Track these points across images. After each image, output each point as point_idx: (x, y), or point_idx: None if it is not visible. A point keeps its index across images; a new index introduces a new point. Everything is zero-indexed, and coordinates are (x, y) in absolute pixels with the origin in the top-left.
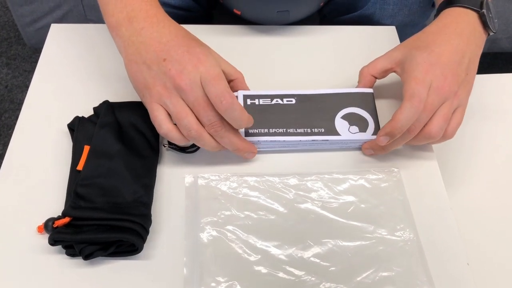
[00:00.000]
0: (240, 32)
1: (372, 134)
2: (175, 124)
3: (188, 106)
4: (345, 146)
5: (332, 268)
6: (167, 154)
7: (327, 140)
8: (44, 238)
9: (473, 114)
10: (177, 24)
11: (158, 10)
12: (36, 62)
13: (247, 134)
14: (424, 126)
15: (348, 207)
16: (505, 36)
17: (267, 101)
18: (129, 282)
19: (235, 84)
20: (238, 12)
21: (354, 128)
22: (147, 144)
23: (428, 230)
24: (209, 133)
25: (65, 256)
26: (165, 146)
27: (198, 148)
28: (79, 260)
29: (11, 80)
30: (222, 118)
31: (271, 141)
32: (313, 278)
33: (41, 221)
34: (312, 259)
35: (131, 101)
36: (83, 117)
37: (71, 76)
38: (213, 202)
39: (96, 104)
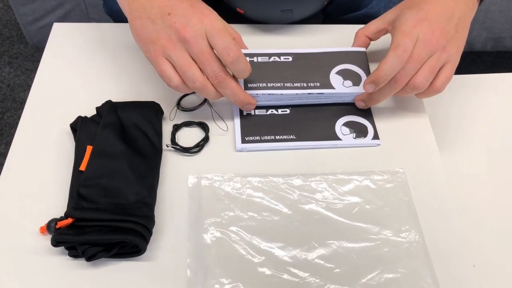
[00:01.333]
0: (244, 31)
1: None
2: None
3: (192, 58)
4: (339, 100)
5: (337, 270)
6: (170, 154)
7: (322, 93)
8: (47, 239)
9: (477, 113)
10: None
11: None
12: (38, 61)
13: (246, 88)
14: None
15: (353, 208)
16: (509, 35)
17: (265, 59)
18: (132, 284)
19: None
20: (242, 11)
21: (348, 83)
22: (150, 144)
23: (434, 232)
24: (212, 84)
25: (68, 257)
26: (168, 146)
27: (201, 148)
28: (81, 261)
29: (13, 79)
30: (225, 69)
31: (268, 94)
32: (317, 280)
33: (44, 221)
34: (316, 260)
35: (134, 101)
36: (85, 117)
37: (73, 75)
38: (216, 203)
39: (99, 104)
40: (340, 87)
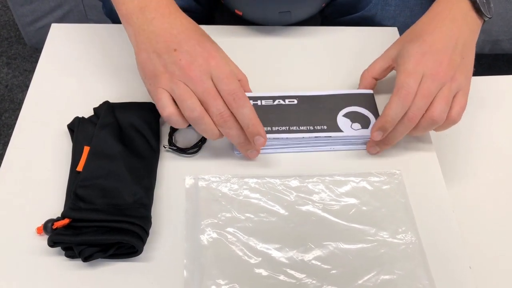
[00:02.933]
0: (242, 32)
1: None
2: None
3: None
4: (347, 145)
5: (333, 271)
6: (167, 156)
7: (330, 136)
8: (43, 239)
9: (474, 116)
10: (188, 17)
11: (169, 2)
12: (36, 61)
13: None
14: (425, 112)
15: (350, 209)
16: (506, 38)
17: (269, 102)
18: (129, 285)
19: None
20: (240, 13)
21: (357, 125)
22: (147, 145)
23: (430, 233)
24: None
25: (64, 257)
26: (165, 147)
27: (199, 149)
28: (78, 262)
29: (11, 80)
30: (229, 111)
31: (274, 138)
32: (314, 281)
33: (41, 222)
34: (313, 261)
35: (131, 102)
36: (83, 117)
37: (71, 76)
38: (213, 204)
39: (96, 105)
40: (349, 130)
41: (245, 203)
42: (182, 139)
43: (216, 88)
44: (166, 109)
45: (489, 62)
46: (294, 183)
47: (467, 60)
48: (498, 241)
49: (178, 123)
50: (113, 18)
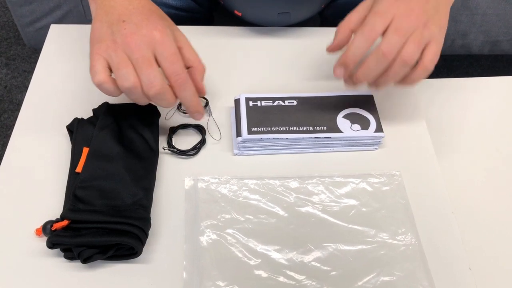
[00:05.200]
0: (241, 33)
1: (374, 132)
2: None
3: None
4: (347, 146)
5: (333, 273)
6: (166, 157)
7: (330, 137)
8: (42, 241)
9: (474, 117)
10: (150, 0)
11: None
12: (35, 62)
13: (249, 132)
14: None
15: (349, 210)
16: (506, 39)
17: (268, 103)
18: (128, 286)
19: (190, 72)
20: (239, 14)
21: (356, 126)
22: (146, 146)
23: (430, 234)
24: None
25: (64, 259)
26: (164, 149)
27: (198, 151)
28: (77, 264)
29: (11, 81)
30: (164, 81)
31: (273, 138)
32: (313, 283)
33: (40, 223)
34: (313, 263)
35: (130, 103)
36: (82, 118)
37: (70, 77)
38: (213, 205)
39: (96, 106)
40: (348, 131)
41: (245, 204)
42: (181, 141)
43: (158, 63)
44: (97, 76)
45: (489, 63)
46: (294, 184)
47: (441, 15)
48: (498, 243)
49: (109, 91)
50: None
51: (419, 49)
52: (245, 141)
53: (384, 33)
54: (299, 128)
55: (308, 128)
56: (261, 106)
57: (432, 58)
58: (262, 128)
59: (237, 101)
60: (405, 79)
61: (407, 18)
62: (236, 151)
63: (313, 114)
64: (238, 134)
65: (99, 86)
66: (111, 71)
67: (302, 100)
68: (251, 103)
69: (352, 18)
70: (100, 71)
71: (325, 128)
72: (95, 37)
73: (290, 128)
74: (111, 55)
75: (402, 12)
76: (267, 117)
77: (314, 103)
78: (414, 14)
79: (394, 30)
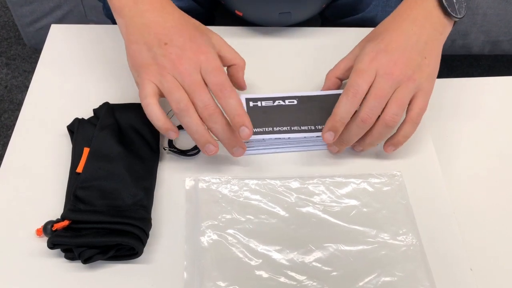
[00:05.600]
0: (242, 33)
1: None
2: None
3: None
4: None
5: (334, 273)
6: (167, 157)
7: None
8: (43, 241)
9: (475, 117)
10: (181, 11)
11: None
12: (36, 62)
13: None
14: (380, 115)
15: (350, 211)
16: (506, 39)
17: (269, 103)
18: (129, 286)
19: (233, 69)
20: (240, 13)
21: None
22: (147, 146)
23: (431, 235)
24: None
25: (64, 259)
26: (165, 149)
27: (199, 151)
28: (78, 264)
29: (11, 81)
30: (216, 104)
31: (275, 138)
32: (314, 283)
33: (40, 224)
34: (313, 263)
35: (131, 103)
36: (82, 118)
37: (71, 77)
38: (213, 205)
39: (96, 106)
40: None
41: (245, 204)
42: (182, 141)
43: (205, 82)
44: (147, 98)
45: (489, 63)
46: (295, 184)
47: (429, 60)
48: (499, 243)
49: (156, 114)
50: (113, 19)
51: (402, 108)
52: (247, 142)
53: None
54: (300, 127)
55: (309, 127)
56: (262, 107)
57: (418, 111)
58: (264, 129)
59: None
60: (394, 138)
61: (389, 75)
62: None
63: (314, 113)
64: None
65: (146, 108)
66: (160, 96)
67: (302, 99)
68: (251, 104)
69: (341, 66)
70: (150, 94)
71: None
72: (137, 61)
73: (292, 128)
74: (161, 81)
75: (385, 68)
76: (268, 117)
77: (315, 102)
78: (398, 67)
79: (374, 95)
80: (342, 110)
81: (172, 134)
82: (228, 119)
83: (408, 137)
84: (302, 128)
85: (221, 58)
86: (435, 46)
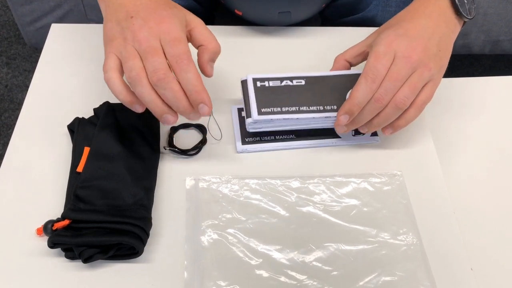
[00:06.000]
0: (242, 33)
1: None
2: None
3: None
4: None
5: (334, 273)
6: (167, 157)
7: None
8: (43, 240)
9: (475, 117)
10: None
11: None
12: (36, 61)
13: (260, 113)
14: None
15: (351, 210)
16: (507, 38)
17: (276, 83)
18: (129, 286)
19: (199, 50)
20: (240, 13)
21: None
22: (147, 146)
23: (431, 234)
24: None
25: (64, 259)
26: (165, 149)
27: (199, 150)
28: (78, 263)
29: (11, 80)
30: (169, 70)
31: (284, 119)
32: (315, 283)
33: (40, 223)
34: (314, 263)
35: None
36: (83, 118)
37: (71, 76)
38: (214, 205)
39: (97, 105)
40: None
41: (246, 204)
42: (182, 140)
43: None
44: (108, 72)
45: (490, 63)
46: (295, 184)
47: (443, 53)
48: (499, 243)
49: (115, 87)
50: None
51: (414, 93)
52: (255, 122)
53: None
54: (309, 108)
55: (318, 107)
56: (269, 87)
57: (425, 99)
58: (272, 109)
59: (244, 82)
60: (394, 121)
61: (407, 59)
62: (239, 148)
63: (322, 93)
64: (248, 115)
65: (107, 81)
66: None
67: (310, 80)
68: (258, 84)
69: (351, 50)
70: (112, 68)
71: (335, 107)
72: (107, 36)
73: (300, 108)
74: (121, 51)
75: (404, 51)
76: (276, 97)
77: (323, 82)
78: (416, 52)
79: (390, 77)
80: (360, 94)
81: (138, 107)
82: (186, 94)
83: (409, 122)
84: (311, 108)
85: (191, 38)
86: (448, 42)
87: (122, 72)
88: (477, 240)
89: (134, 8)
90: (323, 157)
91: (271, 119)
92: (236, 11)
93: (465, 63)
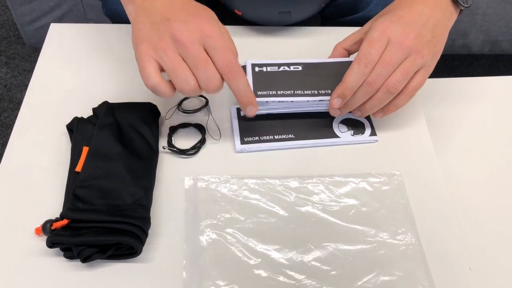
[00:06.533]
0: (241, 32)
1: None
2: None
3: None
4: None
5: (333, 272)
6: (166, 156)
7: None
8: (42, 240)
9: (474, 116)
10: None
11: None
12: (35, 61)
13: (256, 95)
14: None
15: (349, 210)
16: (506, 38)
17: (274, 68)
18: (128, 285)
19: None
20: (239, 13)
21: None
22: (146, 145)
23: (430, 234)
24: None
25: (63, 258)
26: (164, 148)
27: (198, 150)
28: (77, 263)
29: (10, 80)
30: (221, 79)
31: (279, 101)
32: (313, 282)
33: (39, 223)
34: (312, 263)
35: (130, 102)
36: (82, 117)
37: (70, 76)
38: (213, 204)
39: (96, 105)
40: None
41: (245, 204)
42: (181, 140)
43: (209, 57)
44: (151, 79)
45: (489, 63)
46: (294, 183)
47: (437, 40)
48: (498, 242)
49: (163, 93)
50: (112, 18)
51: (406, 78)
52: None
53: None
54: (304, 92)
55: (312, 91)
56: (267, 72)
57: (416, 85)
58: (268, 92)
59: (243, 68)
60: (387, 106)
61: (400, 45)
62: (238, 148)
63: (317, 78)
64: None
65: (154, 89)
66: (161, 70)
67: (307, 66)
68: (257, 69)
69: (349, 39)
70: (153, 73)
71: (329, 91)
72: (139, 37)
73: (295, 92)
74: (162, 57)
75: (397, 37)
76: (272, 81)
77: (319, 69)
78: (409, 39)
79: (382, 62)
80: (353, 79)
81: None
82: (236, 98)
83: (399, 108)
84: (306, 92)
85: None
86: (443, 29)
87: (162, 75)
88: (475, 240)
89: (170, 10)
90: (321, 157)
91: (267, 101)
92: (236, 11)
93: (464, 63)
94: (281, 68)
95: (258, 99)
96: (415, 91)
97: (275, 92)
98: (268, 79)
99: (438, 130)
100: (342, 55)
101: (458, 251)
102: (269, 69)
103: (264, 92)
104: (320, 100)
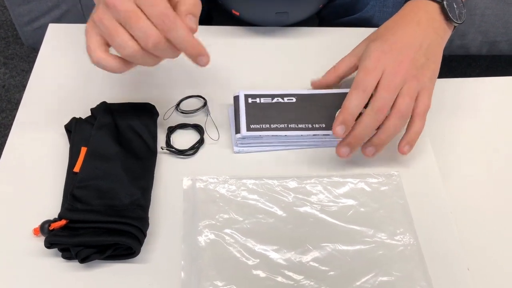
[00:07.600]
0: (239, 33)
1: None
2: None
3: (121, 25)
4: None
5: (331, 273)
6: (164, 157)
7: (328, 134)
8: (40, 240)
9: (472, 117)
10: None
11: None
12: (33, 62)
13: (248, 129)
14: (392, 109)
15: (348, 210)
16: (504, 39)
17: (268, 100)
18: (126, 286)
19: (177, 6)
20: (237, 13)
21: None
22: (144, 146)
23: (428, 234)
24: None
25: (61, 259)
26: (162, 149)
27: (196, 151)
28: (75, 264)
29: (9, 80)
30: (158, 31)
31: (272, 135)
32: (312, 283)
33: (37, 223)
34: (311, 263)
35: (129, 103)
36: (80, 118)
37: (68, 76)
38: (211, 205)
39: (94, 105)
40: None
41: (243, 204)
42: (180, 141)
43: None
44: (92, 56)
45: (487, 64)
46: (292, 184)
47: (431, 61)
48: (497, 243)
49: (110, 67)
50: None
51: (412, 100)
52: (243, 138)
53: (375, 88)
54: (297, 125)
55: (306, 125)
56: (260, 103)
57: (424, 108)
58: (261, 125)
59: (236, 98)
60: (406, 137)
61: (396, 74)
62: (236, 148)
63: (311, 111)
64: (237, 131)
65: (98, 64)
66: (108, 45)
67: (301, 97)
68: (250, 100)
69: (342, 65)
70: (96, 49)
71: (323, 125)
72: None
73: (289, 125)
74: (100, 28)
75: (391, 68)
76: (266, 114)
77: (313, 101)
78: (403, 67)
79: (383, 87)
80: (353, 104)
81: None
82: (180, 51)
83: (419, 133)
84: (300, 126)
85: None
86: (437, 49)
87: (106, 45)
88: (474, 240)
89: None
90: (320, 157)
91: (260, 135)
92: (234, 12)
93: (462, 63)
94: (275, 100)
95: (251, 133)
96: (425, 113)
97: (268, 126)
98: (261, 111)
99: (436, 131)
100: (334, 82)
101: (456, 251)
102: (262, 100)
103: (257, 126)
104: (314, 135)
